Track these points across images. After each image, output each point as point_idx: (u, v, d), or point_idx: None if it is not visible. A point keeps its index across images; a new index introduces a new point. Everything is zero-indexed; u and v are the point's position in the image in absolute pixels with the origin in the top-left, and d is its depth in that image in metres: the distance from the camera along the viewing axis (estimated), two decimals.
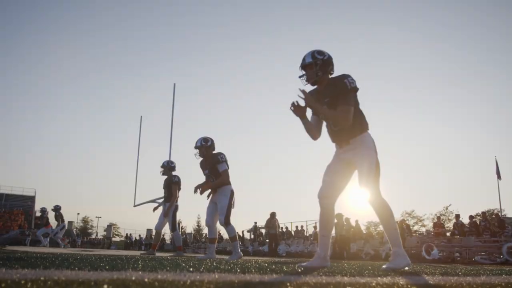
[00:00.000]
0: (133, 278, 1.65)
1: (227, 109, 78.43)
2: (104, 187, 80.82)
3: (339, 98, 3.57)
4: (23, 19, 70.16)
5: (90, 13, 73.18)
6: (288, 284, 1.68)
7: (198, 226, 58.41)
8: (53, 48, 74.13)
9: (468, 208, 72.32)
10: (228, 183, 6.19)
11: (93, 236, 56.75)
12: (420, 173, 62.54)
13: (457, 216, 17.74)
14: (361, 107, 3.72)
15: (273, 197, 69.52)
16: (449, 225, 28.49)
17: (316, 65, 3.69)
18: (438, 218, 20.11)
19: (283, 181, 74.29)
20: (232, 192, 6.16)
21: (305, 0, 70.48)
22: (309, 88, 3.88)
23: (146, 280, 1.59)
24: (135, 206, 28.32)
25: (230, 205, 6.08)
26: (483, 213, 17.92)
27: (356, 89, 3.60)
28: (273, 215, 17.80)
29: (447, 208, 36.93)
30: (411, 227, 33.02)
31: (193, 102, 72.60)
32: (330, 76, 3.76)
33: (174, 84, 23.54)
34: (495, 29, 58.57)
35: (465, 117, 62.13)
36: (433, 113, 63.40)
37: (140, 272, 1.99)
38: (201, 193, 6.16)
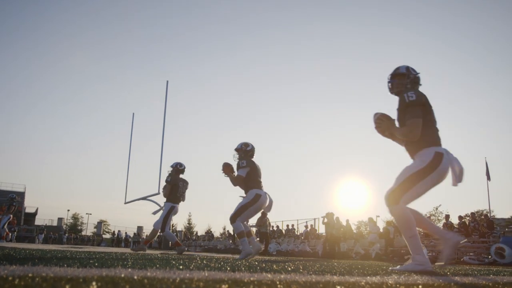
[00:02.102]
0: (122, 275, 1.64)
1: (219, 107, 78.39)
2: (95, 184, 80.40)
3: (405, 112, 3.64)
4: (12, 17, 69.51)
5: (83, 11, 72.71)
6: (278, 282, 1.68)
7: (189, 224, 58.27)
8: (45, 44, 73.60)
9: (458, 208, 72.81)
10: (253, 186, 6.20)
11: (83, 233, 56.37)
12: None
13: (447, 217, 17.87)
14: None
15: None
16: (439, 225, 28.72)
17: (408, 78, 3.84)
18: (428, 218, 20.25)
19: (275, 180, 74.30)
20: (256, 195, 6.13)
21: None
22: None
23: (135, 277, 1.58)
24: (125, 203, 28.21)
25: (246, 206, 6.09)
26: (472, 213, 18.06)
27: (415, 102, 3.60)
28: (264, 213, 17.78)
29: (437, 209, 37.20)
30: None
31: (186, 99, 72.45)
32: None
33: (167, 82, 23.47)
34: (489, 30, 59.02)
35: (456, 118, 62.58)
36: None
37: (129, 270, 1.98)
38: (225, 173, 6.31)
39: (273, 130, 74.66)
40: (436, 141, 3.63)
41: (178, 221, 59.98)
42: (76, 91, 79.24)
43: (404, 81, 3.83)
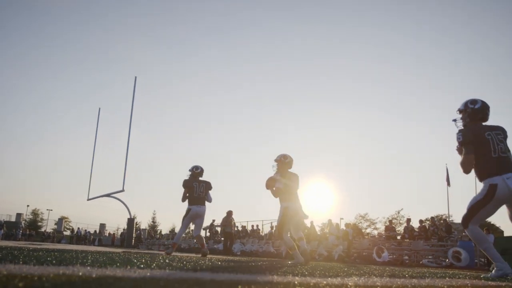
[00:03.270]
0: (80, 273, 1.61)
1: (187, 104, 77.64)
2: (57, 179, 78.03)
3: (462, 149, 4.22)
4: None
5: (51, 4, 70.63)
6: (238, 283, 1.68)
7: (153, 222, 57.37)
8: (11, 35, 71.12)
9: (419, 213, 74.78)
10: (282, 200, 6.55)
11: (43, 229, 54.71)
12: (375, 177, 64.10)
13: (408, 220, 18.32)
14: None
15: (231, 196, 69.47)
16: (400, 228, 29.44)
17: (466, 113, 4.36)
18: (390, 221, 20.68)
19: (242, 180, 74.35)
20: (283, 209, 6.49)
21: None
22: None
23: (93, 275, 1.55)
24: (88, 199, 27.66)
25: (281, 222, 6.53)
26: (432, 218, 18.56)
27: (462, 143, 4.17)
28: (229, 213, 17.78)
29: (399, 212, 38.03)
30: (363, 230, 33.86)
31: (154, 96, 71.49)
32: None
33: (135, 77, 23.19)
34: (437, 35, 60.87)
35: (419, 126, 64.22)
36: (388, 120, 65.18)
37: (88, 268, 1.94)
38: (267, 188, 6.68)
39: (241, 130, 74.70)
40: (491, 172, 4.08)
41: (143, 219, 59.12)
42: (39, 82, 76.87)
43: (464, 115, 4.38)
